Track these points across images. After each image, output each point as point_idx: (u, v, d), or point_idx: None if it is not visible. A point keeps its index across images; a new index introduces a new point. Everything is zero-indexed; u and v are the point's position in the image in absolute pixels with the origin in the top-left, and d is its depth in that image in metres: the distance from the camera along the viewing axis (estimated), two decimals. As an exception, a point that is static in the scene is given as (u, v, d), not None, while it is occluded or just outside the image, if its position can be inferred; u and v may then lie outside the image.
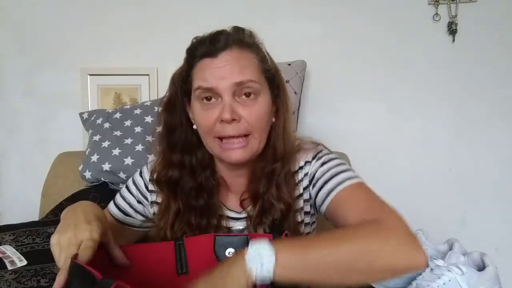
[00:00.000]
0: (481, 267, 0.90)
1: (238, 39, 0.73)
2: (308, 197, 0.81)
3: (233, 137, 0.72)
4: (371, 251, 0.56)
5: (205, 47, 0.72)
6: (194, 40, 0.76)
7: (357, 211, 0.67)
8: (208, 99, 0.72)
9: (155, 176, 0.82)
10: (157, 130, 1.26)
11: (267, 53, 0.79)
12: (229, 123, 0.71)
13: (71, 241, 0.59)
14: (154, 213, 0.86)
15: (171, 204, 0.79)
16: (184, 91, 0.78)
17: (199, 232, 0.76)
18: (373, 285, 0.95)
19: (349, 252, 0.56)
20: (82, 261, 0.54)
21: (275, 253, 0.53)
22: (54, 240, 0.60)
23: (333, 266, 0.55)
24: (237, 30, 0.76)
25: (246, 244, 0.63)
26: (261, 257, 0.52)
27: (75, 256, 0.55)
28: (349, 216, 0.68)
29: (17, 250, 0.96)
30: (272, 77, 0.77)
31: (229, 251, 0.66)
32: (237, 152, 0.73)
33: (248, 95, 0.72)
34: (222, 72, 0.70)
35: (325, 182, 0.75)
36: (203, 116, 0.73)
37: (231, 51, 0.72)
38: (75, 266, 0.52)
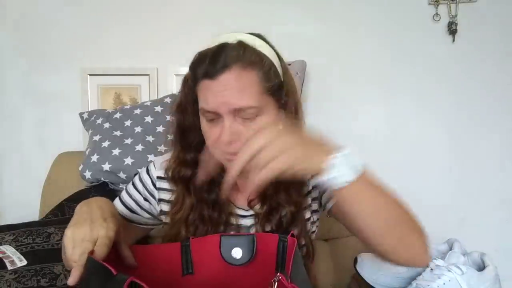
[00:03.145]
0: (481, 267, 0.90)
1: (239, 57, 0.69)
2: (316, 194, 0.84)
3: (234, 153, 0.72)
4: (412, 229, 0.65)
5: (204, 67, 0.70)
6: (196, 56, 0.73)
7: None
8: (212, 118, 0.72)
9: (169, 173, 0.83)
10: (158, 130, 1.27)
11: (278, 58, 0.76)
12: (229, 144, 0.71)
13: (86, 237, 0.59)
14: (161, 211, 0.87)
15: (185, 200, 0.81)
16: (194, 98, 0.77)
17: (211, 225, 0.78)
18: (373, 285, 0.95)
19: (399, 216, 0.63)
20: (98, 258, 0.55)
21: (362, 169, 0.59)
22: (68, 233, 0.60)
23: (384, 214, 0.62)
24: (239, 46, 0.71)
25: (252, 243, 0.66)
26: (352, 161, 0.58)
27: (92, 252, 0.56)
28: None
29: (17, 250, 0.96)
30: (277, 90, 0.74)
31: (235, 251, 0.67)
32: None
33: (247, 118, 0.71)
34: (221, 96, 0.69)
35: None
36: (207, 132, 0.74)
37: (230, 72, 0.68)
38: (92, 262, 0.52)
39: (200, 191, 0.80)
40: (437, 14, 1.50)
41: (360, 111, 1.56)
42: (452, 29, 1.49)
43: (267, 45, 0.76)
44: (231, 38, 0.73)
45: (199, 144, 0.80)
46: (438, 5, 1.49)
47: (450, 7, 1.49)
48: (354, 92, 1.55)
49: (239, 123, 0.71)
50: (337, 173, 0.57)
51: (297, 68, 1.40)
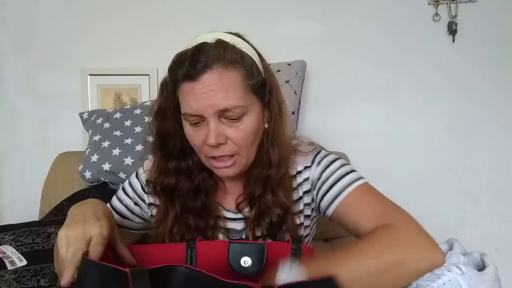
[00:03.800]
0: (481, 267, 0.90)
1: (220, 56, 0.68)
2: (309, 201, 0.81)
3: (221, 156, 0.72)
4: (397, 261, 0.59)
5: (184, 69, 0.68)
6: (175, 58, 0.72)
7: (369, 216, 0.69)
8: (196, 122, 0.71)
9: (151, 185, 0.81)
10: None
11: (258, 57, 0.75)
12: (215, 147, 0.69)
13: (79, 236, 0.58)
14: (151, 215, 0.85)
15: (169, 211, 0.78)
16: (174, 103, 0.75)
17: (198, 234, 0.75)
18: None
19: (376, 265, 0.58)
20: (93, 258, 0.54)
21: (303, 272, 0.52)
22: (61, 234, 0.59)
23: (363, 279, 0.57)
24: (219, 45, 0.69)
25: (262, 253, 0.63)
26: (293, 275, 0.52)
27: (86, 253, 0.55)
28: (360, 222, 0.70)
29: (17, 250, 0.96)
30: (260, 88, 0.73)
31: (245, 260, 0.64)
32: (227, 170, 0.73)
33: (233, 118, 0.70)
34: (205, 99, 0.67)
35: (331, 186, 0.76)
36: (192, 137, 0.72)
37: (212, 72, 0.67)
38: (87, 263, 0.51)
39: (184, 200, 0.78)
40: (437, 14, 1.50)
41: (360, 111, 1.56)
42: (452, 29, 1.49)
43: (246, 43, 0.74)
44: (209, 37, 0.71)
45: (181, 151, 0.78)
46: (438, 5, 1.49)
47: (450, 7, 1.49)
48: (354, 92, 1.55)
49: (225, 124, 0.70)
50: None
51: (297, 68, 1.40)
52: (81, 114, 1.43)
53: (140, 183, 0.86)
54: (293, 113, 1.37)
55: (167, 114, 0.76)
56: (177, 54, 0.72)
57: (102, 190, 1.26)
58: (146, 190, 0.85)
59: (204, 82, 0.67)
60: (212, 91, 0.67)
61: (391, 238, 0.62)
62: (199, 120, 0.70)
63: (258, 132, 0.74)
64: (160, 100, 0.77)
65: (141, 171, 0.87)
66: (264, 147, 0.76)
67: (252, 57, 0.73)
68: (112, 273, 0.48)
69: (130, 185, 0.87)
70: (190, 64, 0.67)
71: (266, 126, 0.76)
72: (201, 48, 0.68)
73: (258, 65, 0.74)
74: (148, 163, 0.86)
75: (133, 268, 0.47)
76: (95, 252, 0.56)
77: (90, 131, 1.35)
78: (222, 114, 0.68)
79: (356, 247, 0.62)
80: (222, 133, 0.69)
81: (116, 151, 1.25)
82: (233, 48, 0.70)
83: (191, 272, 0.47)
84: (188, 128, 0.72)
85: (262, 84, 0.73)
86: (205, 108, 0.67)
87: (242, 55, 0.70)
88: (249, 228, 0.77)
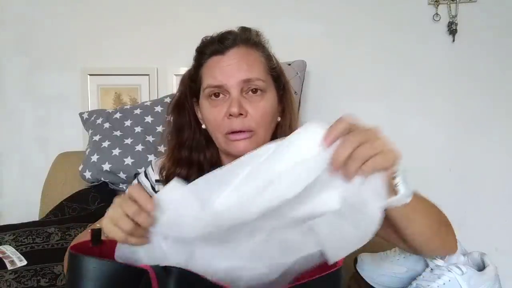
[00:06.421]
0: (481, 267, 0.90)
1: (245, 38, 0.76)
2: None
3: (239, 131, 0.73)
4: (446, 219, 0.67)
5: (214, 46, 0.75)
6: (204, 39, 0.79)
7: None
8: (216, 95, 0.74)
9: (164, 173, 0.83)
10: (158, 130, 1.27)
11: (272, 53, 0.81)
12: (236, 117, 0.72)
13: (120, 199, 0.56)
14: None
15: None
16: (193, 91, 0.80)
17: None
18: (373, 285, 0.95)
19: (439, 217, 0.66)
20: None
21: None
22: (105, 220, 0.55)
23: (431, 221, 0.63)
24: (244, 29, 0.78)
25: None
26: (406, 178, 0.57)
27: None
28: None
29: (17, 250, 0.96)
30: (277, 76, 0.79)
31: None
32: (243, 143, 0.74)
33: (254, 91, 0.74)
34: (230, 69, 0.73)
35: None
36: (211, 112, 0.75)
37: (239, 49, 0.74)
38: (100, 262, 0.50)
39: None
40: (437, 14, 1.49)
41: (360, 111, 1.53)
42: (452, 29, 1.49)
43: (264, 38, 0.81)
44: (232, 28, 0.78)
45: (193, 143, 0.81)
46: (438, 5, 1.49)
47: (450, 7, 1.49)
48: (354, 92, 1.55)
49: (246, 99, 0.73)
50: (401, 194, 0.55)
51: (297, 68, 1.40)
52: (81, 114, 1.43)
53: (150, 183, 0.87)
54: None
55: (184, 107, 0.82)
56: (204, 37, 0.79)
57: (102, 190, 1.26)
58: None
59: (231, 55, 0.74)
60: (237, 63, 0.73)
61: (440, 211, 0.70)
62: (220, 92, 0.74)
63: (273, 118, 0.78)
64: (178, 93, 0.84)
65: (150, 170, 0.88)
66: (277, 139, 0.78)
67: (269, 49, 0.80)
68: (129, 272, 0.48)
69: (140, 184, 0.88)
70: (219, 40, 0.75)
71: (279, 120, 0.80)
72: (228, 31, 0.77)
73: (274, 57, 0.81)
74: (158, 161, 0.89)
75: (154, 265, 0.48)
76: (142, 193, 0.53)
77: (90, 131, 1.35)
78: (244, 86, 0.73)
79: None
80: (243, 106, 0.73)
81: (116, 151, 1.25)
82: (256, 34, 0.79)
83: (184, 272, 0.48)
84: (207, 106, 0.76)
85: (278, 74, 0.79)
86: (229, 78, 0.72)
87: (263, 42, 0.80)
88: None
